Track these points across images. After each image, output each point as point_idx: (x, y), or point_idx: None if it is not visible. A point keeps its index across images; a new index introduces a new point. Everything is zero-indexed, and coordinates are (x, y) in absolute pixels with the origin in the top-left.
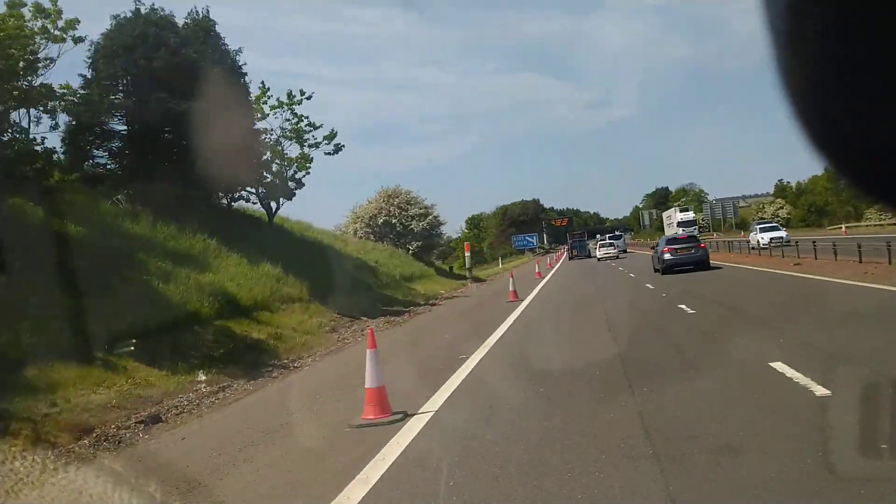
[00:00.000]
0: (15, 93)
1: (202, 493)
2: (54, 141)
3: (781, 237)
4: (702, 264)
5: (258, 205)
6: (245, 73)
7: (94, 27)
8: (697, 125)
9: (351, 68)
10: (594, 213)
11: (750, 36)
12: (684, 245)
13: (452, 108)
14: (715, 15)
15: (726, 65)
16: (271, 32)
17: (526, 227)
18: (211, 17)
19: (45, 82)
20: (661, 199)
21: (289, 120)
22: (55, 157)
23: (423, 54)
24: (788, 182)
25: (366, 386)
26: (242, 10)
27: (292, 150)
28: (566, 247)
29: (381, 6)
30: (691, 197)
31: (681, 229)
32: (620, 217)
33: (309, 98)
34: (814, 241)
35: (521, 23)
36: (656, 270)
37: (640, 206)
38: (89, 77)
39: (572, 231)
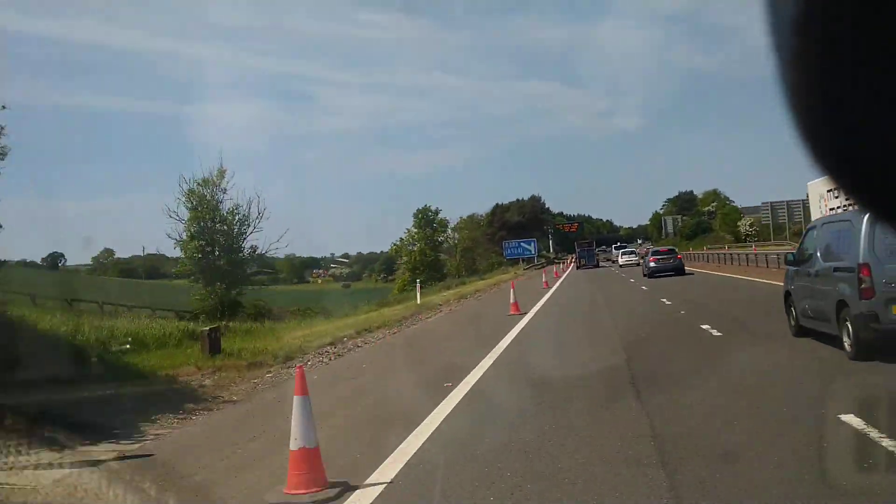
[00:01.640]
0: None
1: None
2: None
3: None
4: (678, 271)
5: None
6: None
7: None
8: (714, 133)
9: (361, 72)
10: (607, 220)
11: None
12: (664, 256)
13: (463, 113)
14: (729, 24)
15: (743, 72)
16: (280, 34)
17: (524, 231)
18: None
19: None
20: (686, 204)
21: None
22: None
23: (435, 59)
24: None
25: None
26: (249, 10)
27: None
28: (574, 256)
29: (394, 11)
30: (724, 201)
31: None
32: (636, 226)
33: None
34: None
35: (534, 30)
36: (645, 275)
37: (661, 211)
38: None
39: (580, 240)
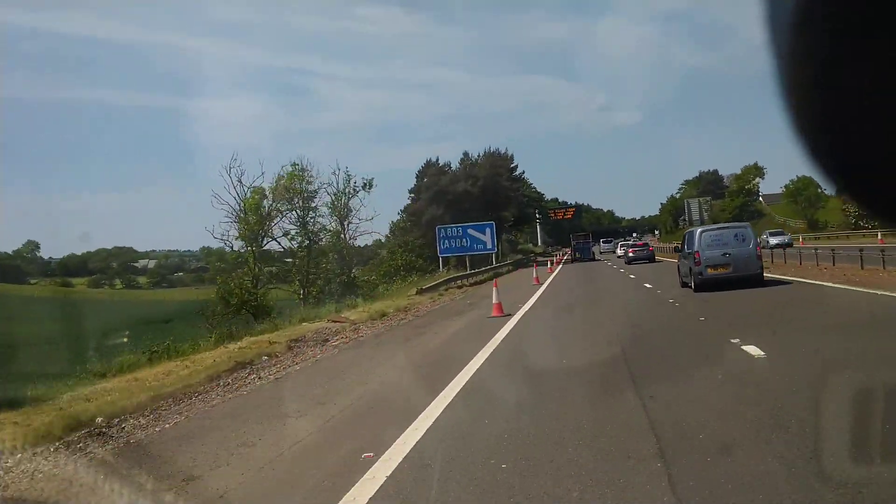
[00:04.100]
0: None
1: None
2: None
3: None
4: (650, 259)
5: None
6: None
7: None
8: (712, 128)
9: (360, 66)
10: (608, 210)
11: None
12: (640, 249)
13: (462, 109)
14: (728, 21)
15: (742, 68)
16: (278, 29)
17: (480, 210)
18: None
19: None
20: (709, 186)
21: None
22: None
23: (433, 55)
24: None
25: None
26: (250, 6)
27: None
28: (569, 250)
29: (392, 5)
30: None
31: None
32: (639, 217)
33: None
34: None
35: (534, 26)
36: (625, 262)
37: (678, 195)
38: None
39: (576, 232)
